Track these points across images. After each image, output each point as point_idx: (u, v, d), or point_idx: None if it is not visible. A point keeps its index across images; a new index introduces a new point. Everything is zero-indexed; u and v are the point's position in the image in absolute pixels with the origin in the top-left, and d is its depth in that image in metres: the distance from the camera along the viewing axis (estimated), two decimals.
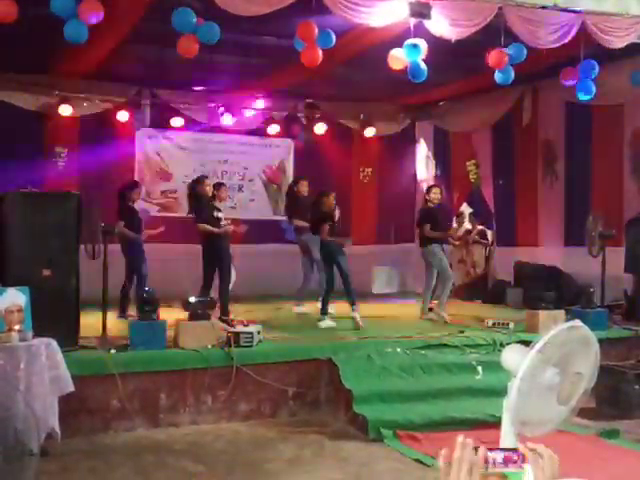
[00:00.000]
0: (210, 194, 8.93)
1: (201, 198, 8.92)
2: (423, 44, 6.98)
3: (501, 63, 7.40)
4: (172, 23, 6.55)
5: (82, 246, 6.88)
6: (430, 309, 9.54)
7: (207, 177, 9.52)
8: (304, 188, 10.33)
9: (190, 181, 9.51)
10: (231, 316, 8.35)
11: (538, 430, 2.62)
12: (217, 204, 8.84)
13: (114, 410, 6.30)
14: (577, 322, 2.63)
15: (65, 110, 10.88)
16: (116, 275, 8.09)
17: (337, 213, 9.31)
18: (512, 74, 7.60)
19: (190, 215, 9.11)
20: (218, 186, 9.15)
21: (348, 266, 8.79)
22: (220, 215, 8.75)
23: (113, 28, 7.52)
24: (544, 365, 2.53)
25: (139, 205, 9.65)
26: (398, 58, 7.14)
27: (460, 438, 1.69)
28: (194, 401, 6.58)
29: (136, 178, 11.33)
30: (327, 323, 8.64)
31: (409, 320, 9.41)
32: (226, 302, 8.49)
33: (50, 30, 6.73)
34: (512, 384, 2.53)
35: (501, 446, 2.58)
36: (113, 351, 6.53)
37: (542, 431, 2.62)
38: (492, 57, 7.36)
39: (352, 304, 8.63)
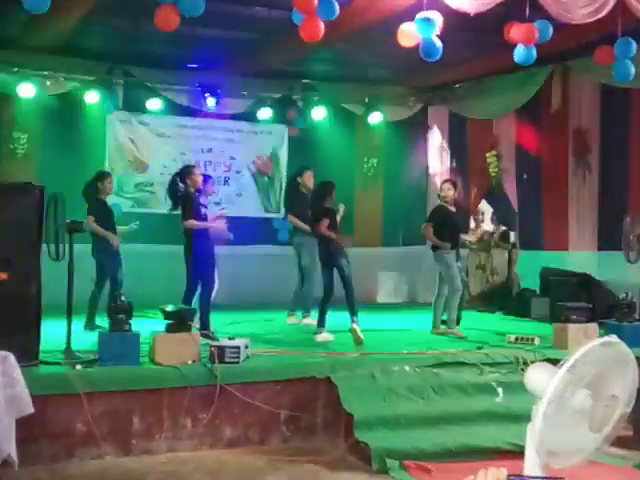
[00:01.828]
0: (199, 186, 8.85)
1: (189, 192, 8.72)
2: (437, 18, 7.00)
3: (531, 39, 7.42)
4: None
5: (45, 246, 6.88)
6: (443, 322, 9.56)
7: (195, 166, 9.39)
8: (309, 180, 10.18)
9: (176, 171, 9.35)
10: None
11: (567, 461, 2.63)
12: (202, 200, 8.83)
13: (79, 435, 6.29)
14: (612, 338, 2.64)
15: (25, 90, 10.89)
16: (83, 279, 8.09)
17: (341, 210, 9.32)
18: (534, 54, 7.62)
19: (173, 212, 8.92)
20: (204, 179, 9.14)
21: (350, 270, 8.81)
22: (206, 212, 8.74)
23: None
24: (574, 387, 2.55)
25: (110, 200, 9.64)
26: (409, 34, 7.16)
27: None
28: (172, 425, 6.58)
29: (107, 168, 11.33)
30: (324, 336, 8.65)
31: (419, 334, 9.43)
32: (207, 313, 8.48)
33: None
34: (537, 408, 2.54)
35: None
36: (79, 367, 6.53)
37: (572, 462, 2.64)
38: (520, 32, 7.38)
39: (352, 314, 8.64)
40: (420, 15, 7.00)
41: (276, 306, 10.54)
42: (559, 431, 2.56)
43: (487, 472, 1.75)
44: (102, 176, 9.53)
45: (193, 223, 8.46)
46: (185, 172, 8.84)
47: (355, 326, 8.52)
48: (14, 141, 11.33)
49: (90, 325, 8.80)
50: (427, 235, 9.60)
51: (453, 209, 9.70)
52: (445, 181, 10.28)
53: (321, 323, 8.78)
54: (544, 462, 2.60)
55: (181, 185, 8.63)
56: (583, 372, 2.55)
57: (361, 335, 8.38)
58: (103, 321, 8.20)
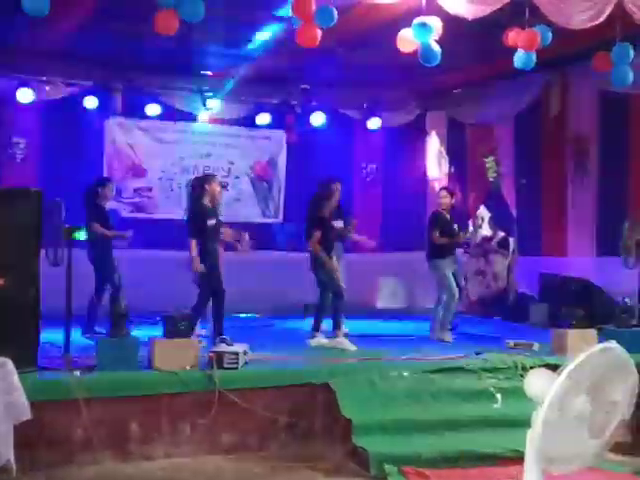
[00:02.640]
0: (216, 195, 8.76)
1: (200, 204, 8.58)
2: (436, 23, 7.02)
3: (533, 44, 7.43)
4: None
5: (43, 251, 6.87)
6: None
7: (216, 176, 9.37)
8: (338, 194, 9.52)
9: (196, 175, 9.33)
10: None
11: (566, 467, 2.63)
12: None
13: (78, 441, 6.27)
14: (612, 343, 2.65)
15: (23, 95, 10.90)
16: (82, 284, 8.08)
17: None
18: (534, 58, 7.64)
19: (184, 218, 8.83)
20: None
21: (332, 284, 8.81)
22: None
23: None
24: (574, 392, 2.55)
25: (110, 205, 9.66)
26: (407, 40, 7.18)
27: None
28: (170, 431, 6.55)
29: (105, 173, 11.35)
30: (318, 341, 8.67)
31: (418, 339, 9.43)
32: (222, 319, 8.44)
33: (5, 2, 6.77)
34: (537, 414, 2.54)
35: None
36: (77, 373, 6.50)
37: (571, 468, 2.64)
38: (522, 37, 7.39)
39: (335, 327, 8.70)
40: (417, 20, 7.02)
41: (275, 311, 10.54)
42: (559, 437, 2.56)
43: None
44: (103, 182, 9.56)
45: (192, 243, 8.36)
46: (205, 179, 8.79)
47: (338, 339, 8.57)
48: (13, 146, 11.33)
49: (89, 331, 8.80)
50: (436, 240, 9.59)
51: (448, 216, 9.76)
52: (441, 188, 10.37)
53: (316, 328, 8.79)
54: (543, 468, 2.60)
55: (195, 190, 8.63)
56: (582, 378, 2.55)
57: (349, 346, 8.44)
58: (101, 328, 8.20)
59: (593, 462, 2.70)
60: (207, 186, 8.60)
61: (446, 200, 9.76)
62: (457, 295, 9.53)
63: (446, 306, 9.50)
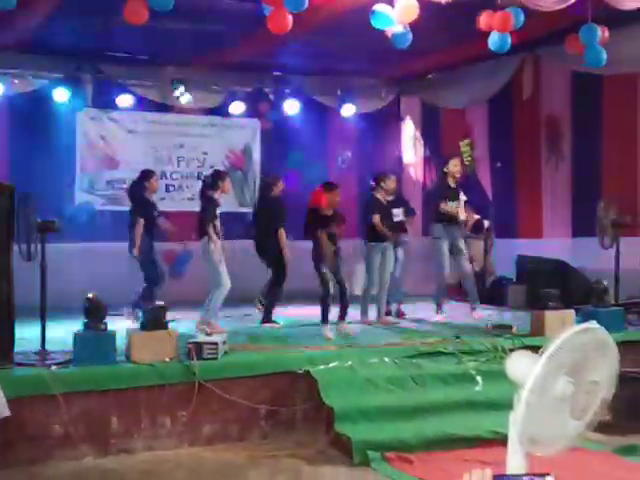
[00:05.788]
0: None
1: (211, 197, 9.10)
2: (411, 4, 7.00)
3: (507, 26, 7.43)
4: None
5: (16, 246, 6.80)
6: (388, 313, 10.02)
7: (227, 174, 9.83)
8: (457, 168, 10.16)
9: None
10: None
11: (550, 448, 2.62)
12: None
13: (57, 436, 6.23)
14: (592, 323, 2.64)
15: None
16: (56, 279, 7.99)
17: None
18: (508, 40, 7.63)
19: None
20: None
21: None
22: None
23: None
24: (555, 374, 2.53)
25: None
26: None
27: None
28: (150, 424, 6.53)
29: (78, 166, 11.28)
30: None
31: (397, 325, 9.45)
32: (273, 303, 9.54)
33: None
34: (519, 396, 2.53)
35: (508, 467, 2.59)
36: (54, 368, 6.46)
37: (554, 449, 2.63)
38: (496, 19, 7.39)
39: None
40: (373, 9, 7.06)
41: (253, 301, 10.49)
42: (541, 419, 2.55)
43: (471, 475, 1.73)
44: (149, 174, 9.73)
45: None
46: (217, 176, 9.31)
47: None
48: None
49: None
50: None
51: (386, 199, 9.84)
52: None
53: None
54: (526, 450, 2.59)
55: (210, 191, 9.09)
56: (564, 359, 2.54)
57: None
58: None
59: (576, 443, 2.70)
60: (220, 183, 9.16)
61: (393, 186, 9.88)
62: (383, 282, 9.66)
63: (365, 292, 9.73)
